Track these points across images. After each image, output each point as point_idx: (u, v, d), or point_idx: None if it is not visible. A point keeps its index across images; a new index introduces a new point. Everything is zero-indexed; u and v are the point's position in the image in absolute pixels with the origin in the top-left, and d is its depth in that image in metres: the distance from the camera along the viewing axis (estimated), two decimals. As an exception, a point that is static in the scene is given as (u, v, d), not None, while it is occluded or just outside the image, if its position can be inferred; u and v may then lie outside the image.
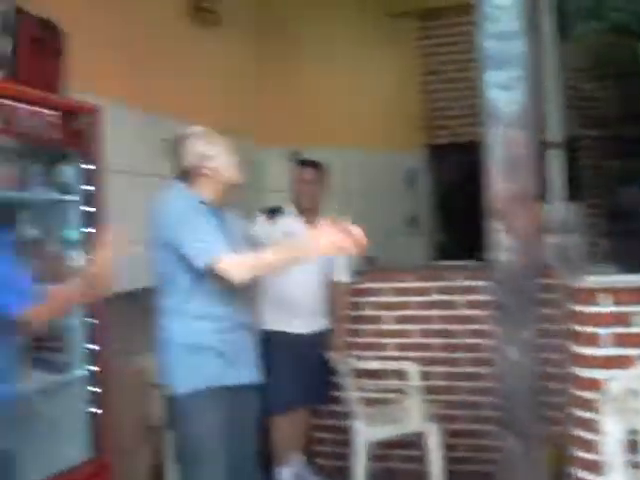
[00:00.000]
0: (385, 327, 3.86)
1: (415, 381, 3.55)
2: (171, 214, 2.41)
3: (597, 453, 2.37)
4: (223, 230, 2.44)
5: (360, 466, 3.31)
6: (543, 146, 3.74)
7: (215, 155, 2.51)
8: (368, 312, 3.90)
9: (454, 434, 3.60)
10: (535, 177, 1.14)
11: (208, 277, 2.37)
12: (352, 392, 3.45)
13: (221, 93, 4.25)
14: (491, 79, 1.16)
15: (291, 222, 3.52)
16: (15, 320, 1.99)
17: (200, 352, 2.40)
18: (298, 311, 3.50)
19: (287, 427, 3.52)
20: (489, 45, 1.17)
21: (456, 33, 5.58)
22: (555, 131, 3.76)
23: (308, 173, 3.61)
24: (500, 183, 1.15)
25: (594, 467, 2.43)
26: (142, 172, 3.44)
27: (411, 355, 3.73)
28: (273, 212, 3.58)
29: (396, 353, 3.82)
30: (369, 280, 3.90)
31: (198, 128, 2.56)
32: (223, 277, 2.32)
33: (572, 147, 4.04)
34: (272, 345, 3.26)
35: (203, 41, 4.11)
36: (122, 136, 3.16)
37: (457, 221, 5.67)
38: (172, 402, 2.42)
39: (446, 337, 3.76)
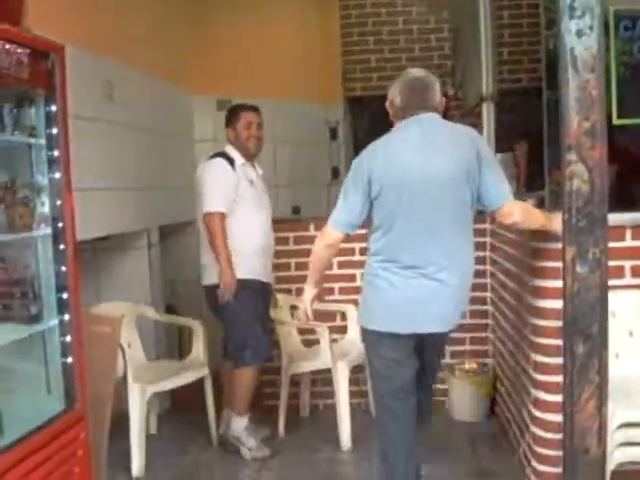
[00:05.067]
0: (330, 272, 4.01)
1: (353, 322, 3.79)
2: (486, 149, 2.53)
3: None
4: None
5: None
6: (479, 99, 3.97)
7: None
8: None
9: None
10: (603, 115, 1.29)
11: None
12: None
13: (158, 40, 4.14)
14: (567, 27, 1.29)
15: (247, 169, 3.53)
16: None
17: None
18: (266, 259, 3.57)
19: (257, 377, 3.54)
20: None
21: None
22: (488, 85, 3.99)
23: (256, 116, 3.53)
24: (575, 120, 1.29)
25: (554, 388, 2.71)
26: (85, 116, 3.32)
27: (353, 297, 3.89)
28: (227, 159, 3.46)
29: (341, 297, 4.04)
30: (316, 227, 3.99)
31: None
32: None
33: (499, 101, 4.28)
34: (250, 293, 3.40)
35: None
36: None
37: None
38: None
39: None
